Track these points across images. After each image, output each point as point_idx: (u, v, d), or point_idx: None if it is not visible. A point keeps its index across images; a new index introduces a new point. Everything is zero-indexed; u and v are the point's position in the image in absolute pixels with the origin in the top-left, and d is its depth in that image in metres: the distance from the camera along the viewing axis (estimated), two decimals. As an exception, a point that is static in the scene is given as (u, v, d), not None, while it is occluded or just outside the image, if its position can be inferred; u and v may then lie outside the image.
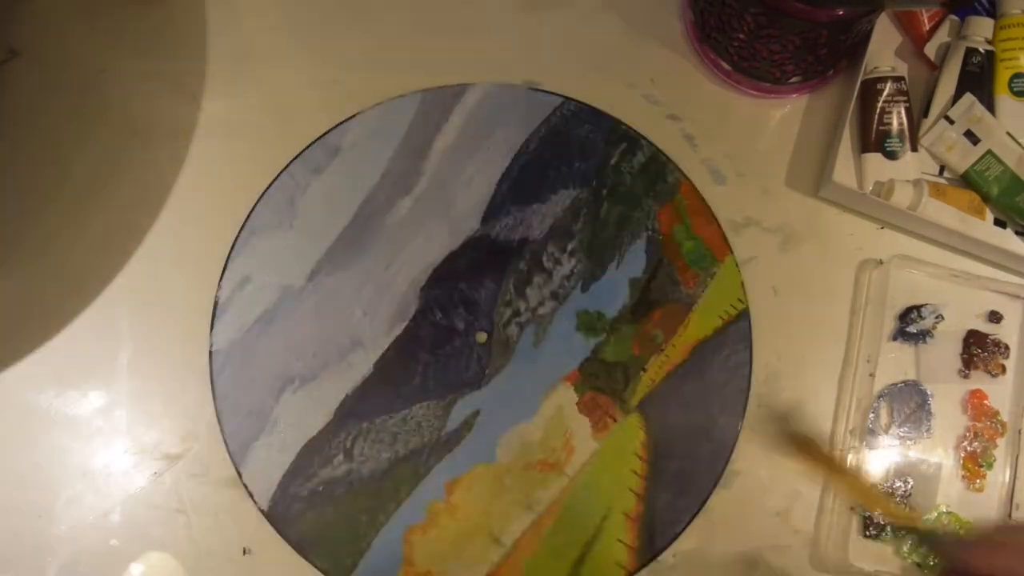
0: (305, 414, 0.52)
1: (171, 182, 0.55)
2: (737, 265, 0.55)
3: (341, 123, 0.56)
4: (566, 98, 0.57)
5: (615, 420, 0.52)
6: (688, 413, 0.53)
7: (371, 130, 0.57)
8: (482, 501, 0.51)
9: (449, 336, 0.53)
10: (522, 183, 0.56)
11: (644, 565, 0.51)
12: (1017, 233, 0.55)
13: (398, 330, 0.53)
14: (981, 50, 0.55)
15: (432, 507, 0.51)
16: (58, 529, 0.51)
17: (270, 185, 0.55)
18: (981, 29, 0.56)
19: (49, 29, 0.57)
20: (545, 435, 0.52)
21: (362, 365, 0.53)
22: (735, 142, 0.58)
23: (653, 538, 0.51)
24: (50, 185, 0.55)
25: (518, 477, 0.52)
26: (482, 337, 0.53)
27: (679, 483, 0.52)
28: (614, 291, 0.54)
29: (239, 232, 0.54)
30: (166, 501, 0.51)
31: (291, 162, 0.56)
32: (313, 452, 0.51)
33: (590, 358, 0.53)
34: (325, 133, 0.56)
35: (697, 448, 0.52)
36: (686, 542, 0.51)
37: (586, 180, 0.56)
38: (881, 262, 0.55)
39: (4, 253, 0.54)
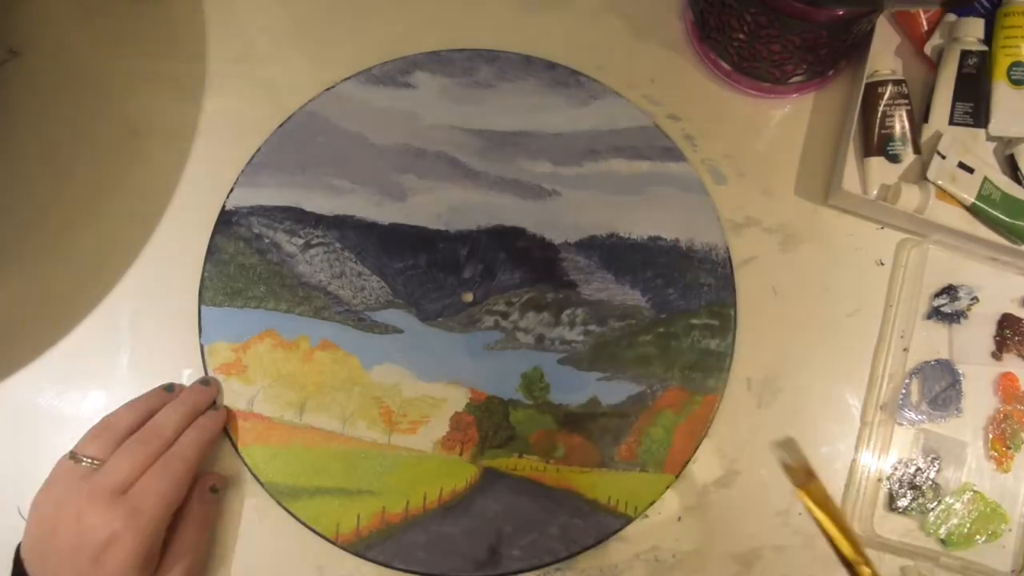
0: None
1: (172, 182, 0.55)
2: (669, 487, 0.51)
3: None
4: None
5: (459, 455, 0.51)
6: (499, 518, 0.50)
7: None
8: (329, 379, 0.52)
9: (452, 269, 0.54)
10: (622, 254, 0.55)
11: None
12: None
13: (433, 224, 0.54)
14: (975, 51, 0.55)
15: (300, 340, 0.52)
16: (59, 529, 0.51)
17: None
18: (973, 30, 0.56)
19: (49, 29, 0.57)
20: (414, 399, 0.52)
21: (386, 214, 0.54)
22: (735, 142, 0.58)
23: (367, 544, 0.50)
24: (51, 185, 0.55)
25: (363, 397, 0.52)
26: (468, 297, 0.54)
27: (434, 545, 0.50)
28: (575, 390, 0.52)
29: (239, 232, 0.54)
30: (167, 501, 0.51)
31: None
32: (295, 218, 0.54)
33: (502, 402, 0.52)
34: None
35: (454, 544, 0.50)
36: (686, 543, 0.52)
37: (660, 308, 0.54)
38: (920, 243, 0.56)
39: (4, 254, 0.54)
